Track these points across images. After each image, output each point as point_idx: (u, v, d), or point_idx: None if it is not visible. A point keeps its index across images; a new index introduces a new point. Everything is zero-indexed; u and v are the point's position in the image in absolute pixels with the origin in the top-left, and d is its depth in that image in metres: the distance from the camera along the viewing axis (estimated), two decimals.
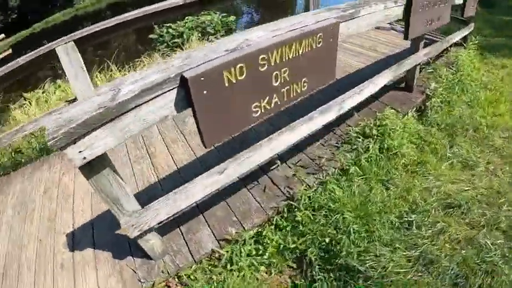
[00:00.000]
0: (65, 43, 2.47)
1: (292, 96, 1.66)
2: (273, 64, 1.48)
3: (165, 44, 6.67)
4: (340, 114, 2.39)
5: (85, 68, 2.71)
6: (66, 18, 28.71)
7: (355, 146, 2.63)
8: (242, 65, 1.36)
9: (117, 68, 5.30)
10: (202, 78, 1.27)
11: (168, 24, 7.00)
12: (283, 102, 1.64)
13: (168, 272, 2.01)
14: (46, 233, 2.48)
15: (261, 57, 1.41)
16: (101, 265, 2.15)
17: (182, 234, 2.22)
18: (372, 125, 2.70)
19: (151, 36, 7.11)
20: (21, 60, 2.43)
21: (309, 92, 1.78)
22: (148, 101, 1.26)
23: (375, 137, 2.67)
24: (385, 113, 2.80)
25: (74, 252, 2.27)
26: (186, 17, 7.10)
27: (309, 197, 2.31)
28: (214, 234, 2.17)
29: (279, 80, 1.54)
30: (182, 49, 5.95)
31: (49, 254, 2.31)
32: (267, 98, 1.56)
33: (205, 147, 1.52)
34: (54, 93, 4.65)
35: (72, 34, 2.51)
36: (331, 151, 2.65)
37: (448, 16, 3.05)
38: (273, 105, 1.59)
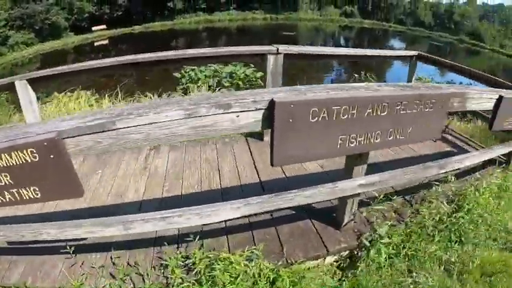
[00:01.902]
0: (20, 79, 3.04)
1: (26, 199, 1.61)
2: None
3: (182, 86, 6.77)
4: None
5: (34, 102, 3.22)
6: (164, 29, 32.23)
7: None
8: None
9: (123, 97, 5.93)
10: None
11: (193, 67, 7.03)
12: (18, 201, 1.62)
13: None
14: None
15: None
16: None
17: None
18: None
19: (175, 74, 7.58)
20: None
21: (48, 201, 1.90)
22: None
23: None
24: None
25: None
26: (210, 64, 6.98)
27: None
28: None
29: (3, 181, 1.54)
30: (186, 94, 5.87)
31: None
32: None
33: None
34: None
35: (26, 74, 3.08)
36: None
37: None
38: (7, 199, 1.60)
